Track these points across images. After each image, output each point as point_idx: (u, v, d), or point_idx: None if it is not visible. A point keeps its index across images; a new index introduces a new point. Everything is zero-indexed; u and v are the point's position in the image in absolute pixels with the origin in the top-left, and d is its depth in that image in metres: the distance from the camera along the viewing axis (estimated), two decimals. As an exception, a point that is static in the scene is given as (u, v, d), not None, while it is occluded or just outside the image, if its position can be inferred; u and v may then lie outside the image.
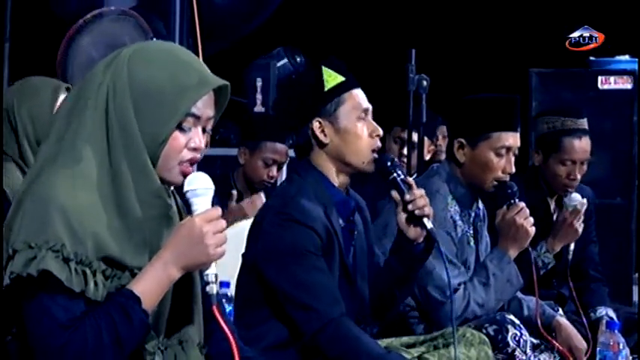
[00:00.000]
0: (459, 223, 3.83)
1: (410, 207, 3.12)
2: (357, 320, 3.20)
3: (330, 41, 7.22)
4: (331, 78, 3.20)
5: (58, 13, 6.23)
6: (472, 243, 3.88)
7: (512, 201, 3.79)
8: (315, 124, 3.19)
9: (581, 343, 4.03)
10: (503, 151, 3.79)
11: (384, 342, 3.29)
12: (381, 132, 3.23)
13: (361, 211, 3.34)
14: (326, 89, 3.19)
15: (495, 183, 3.80)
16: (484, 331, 3.49)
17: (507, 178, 3.82)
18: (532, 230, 3.78)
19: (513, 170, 3.82)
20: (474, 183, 3.85)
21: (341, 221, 3.18)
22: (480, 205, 3.97)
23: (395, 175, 3.15)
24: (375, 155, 3.20)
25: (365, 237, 3.31)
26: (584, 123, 4.47)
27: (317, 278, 3.06)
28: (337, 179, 3.21)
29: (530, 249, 3.85)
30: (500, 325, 3.54)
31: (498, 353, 3.49)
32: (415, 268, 3.29)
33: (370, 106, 3.24)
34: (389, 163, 3.16)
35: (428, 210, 3.12)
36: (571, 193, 4.38)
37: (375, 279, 3.29)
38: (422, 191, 3.14)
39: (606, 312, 4.43)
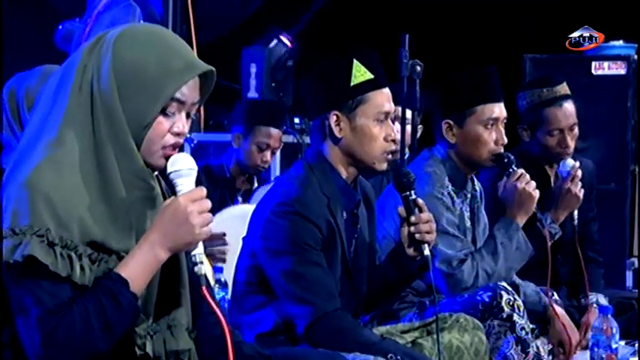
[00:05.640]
0: (457, 201, 3.83)
1: (412, 229, 3.10)
2: (355, 312, 3.20)
3: (323, 27, 7.20)
4: (359, 73, 3.13)
5: (52, 2, 6.22)
6: (469, 224, 3.88)
7: (510, 169, 3.80)
8: (332, 117, 3.14)
9: (573, 336, 4.02)
10: (491, 122, 3.79)
11: (380, 330, 3.29)
12: (396, 137, 3.20)
13: (368, 203, 3.31)
14: (351, 84, 3.13)
15: (492, 157, 3.81)
16: (478, 298, 3.51)
17: (502, 150, 3.82)
18: (536, 194, 3.79)
19: (506, 141, 3.82)
20: (470, 162, 3.85)
21: (344, 214, 3.16)
22: (477, 186, 3.97)
23: (408, 193, 3.12)
24: (389, 157, 3.18)
25: (368, 231, 3.30)
26: (561, 88, 4.43)
27: (313, 272, 3.05)
28: (346, 171, 3.18)
29: (539, 215, 3.85)
30: (494, 292, 3.53)
31: (494, 319, 3.49)
32: (406, 282, 3.30)
33: (393, 109, 3.19)
34: (405, 180, 3.13)
35: (429, 237, 3.10)
36: (565, 159, 4.35)
37: (369, 276, 3.27)
38: (429, 216, 3.12)
39: (597, 299, 4.42)
